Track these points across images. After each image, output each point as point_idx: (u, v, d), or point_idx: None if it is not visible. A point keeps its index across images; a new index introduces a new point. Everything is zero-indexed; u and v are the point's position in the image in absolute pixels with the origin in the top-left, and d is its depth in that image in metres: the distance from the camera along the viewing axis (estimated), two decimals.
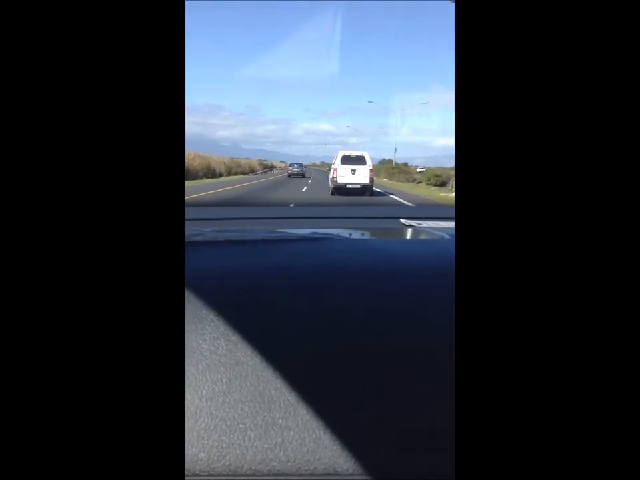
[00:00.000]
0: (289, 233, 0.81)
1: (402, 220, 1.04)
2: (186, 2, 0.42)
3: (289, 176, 31.65)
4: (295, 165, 34.99)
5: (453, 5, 0.39)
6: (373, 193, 14.14)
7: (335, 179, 14.11)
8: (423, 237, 0.93)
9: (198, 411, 0.45)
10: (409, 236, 0.95)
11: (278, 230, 0.88)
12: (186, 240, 0.66)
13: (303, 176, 31.57)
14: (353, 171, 14.04)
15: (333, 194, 13.91)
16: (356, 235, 0.97)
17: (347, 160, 14.30)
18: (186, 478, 0.43)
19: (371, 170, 14.27)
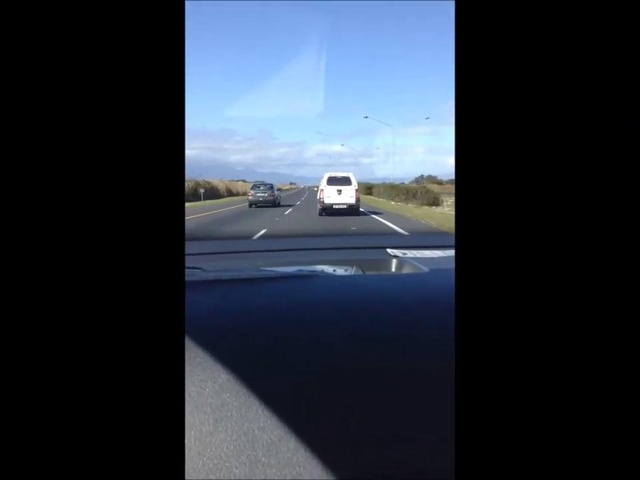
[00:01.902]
0: (276, 272, 0.83)
1: (388, 250, 1.05)
2: (186, 4, 0.43)
3: (251, 205, 19.98)
4: (261, 187, 21.30)
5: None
6: (359, 213, 14.36)
7: (321, 200, 14.35)
8: (406, 269, 0.95)
9: (186, 451, 0.47)
10: (393, 268, 0.97)
11: (263, 268, 0.90)
12: None
13: (274, 205, 20.13)
14: (339, 192, 14.30)
15: (320, 214, 14.21)
16: (340, 270, 0.98)
17: (332, 181, 14.55)
18: None
19: (356, 190, 14.51)
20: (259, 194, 20.64)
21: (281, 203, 21.90)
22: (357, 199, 14.45)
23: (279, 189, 24.35)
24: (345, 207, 14.15)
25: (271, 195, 20.57)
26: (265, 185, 22.05)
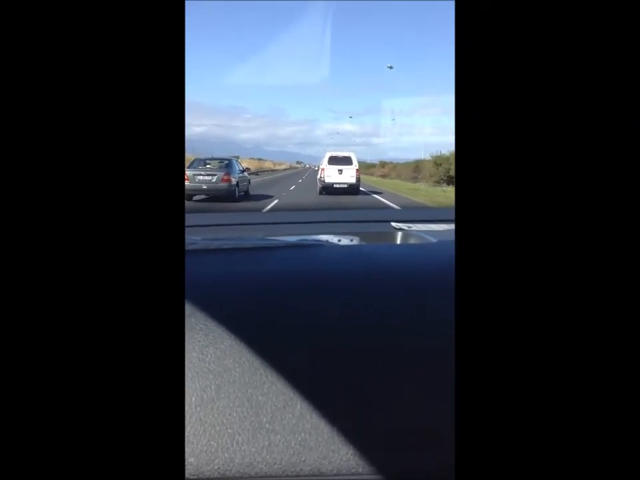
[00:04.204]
0: (279, 241, 0.82)
1: (392, 223, 1.04)
2: (187, 2, 0.42)
3: (191, 198, 10.58)
4: (210, 165, 12.02)
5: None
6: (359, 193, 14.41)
7: (322, 179, 14.38)
8: (412, 240, 0.94)
9: (187, 417, 0.46)
10: (399, 240, 0.95)
11: (267, 237, 0.89)
12: None
13: (231, 198, 10.91)
14: (340, 171, 14.33)
15: (320, 193, 14.25)
16: (345, 240, 0.97)
17: (334, 160, 14.59)
18: None
19: (357, 170, 14.57)
20: (201, 177, 10.96)
21: (253, 192, 13.10)
22: (358, 179, 14.54)
23: (244, 170, 13.43)
24: (346, 186, 14.20)
25: (224, 180, 10.94)
26: (221, 160, 12.54)
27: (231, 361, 0.48)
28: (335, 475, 0.45)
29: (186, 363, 0.48)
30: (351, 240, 0.99)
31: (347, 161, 14.64)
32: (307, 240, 0.82)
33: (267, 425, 0.46)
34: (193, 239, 0.75)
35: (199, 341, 0.50)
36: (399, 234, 0.97)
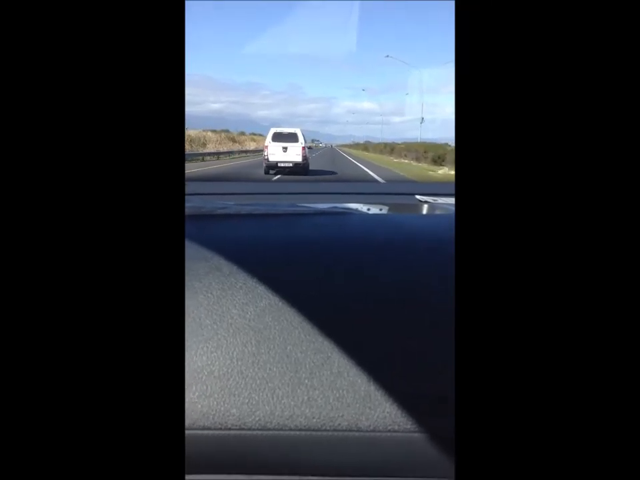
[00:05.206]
0: (311, 207, 0.84)
1: (417, 196, 1.05)
2: (186, 2, 0.42)
3: None
4: None
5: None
6: (308, 172, 13.23)
7: (266, 157, 13.23)
8: (439, 212, 0.96)
9: (229, 370, 0.49)
10: (425, 211, 0.97)
11: (299, 204, 0.91)
12: (211, 213, 0.71)
13: None
14: (285, 149, 13.14)
15: (266, 172, 13.13)
16: (374, 209, 0.99)
17: (278, 137, 13.34)
18: (218, 432, 0.48)
19: (303, 147, 13.39)
20: None
21: None
22: (304, 157, 13.28)
23: None
24: (291, 165, 12.96)
25: None
26: None
27: (270, 319, 0.51)
28: (372, 431, 0.48)
29: (227, 319, 0.51)
30: (380, 209, 1.01)
31: (292, 137, 13.37)
32: (338, 207, 0.84)
33: (306, 381, 0.48)
34: (225, 203, 0.79)
35: (239, 299, 0.52)
36: (425, 206, 0.99)
